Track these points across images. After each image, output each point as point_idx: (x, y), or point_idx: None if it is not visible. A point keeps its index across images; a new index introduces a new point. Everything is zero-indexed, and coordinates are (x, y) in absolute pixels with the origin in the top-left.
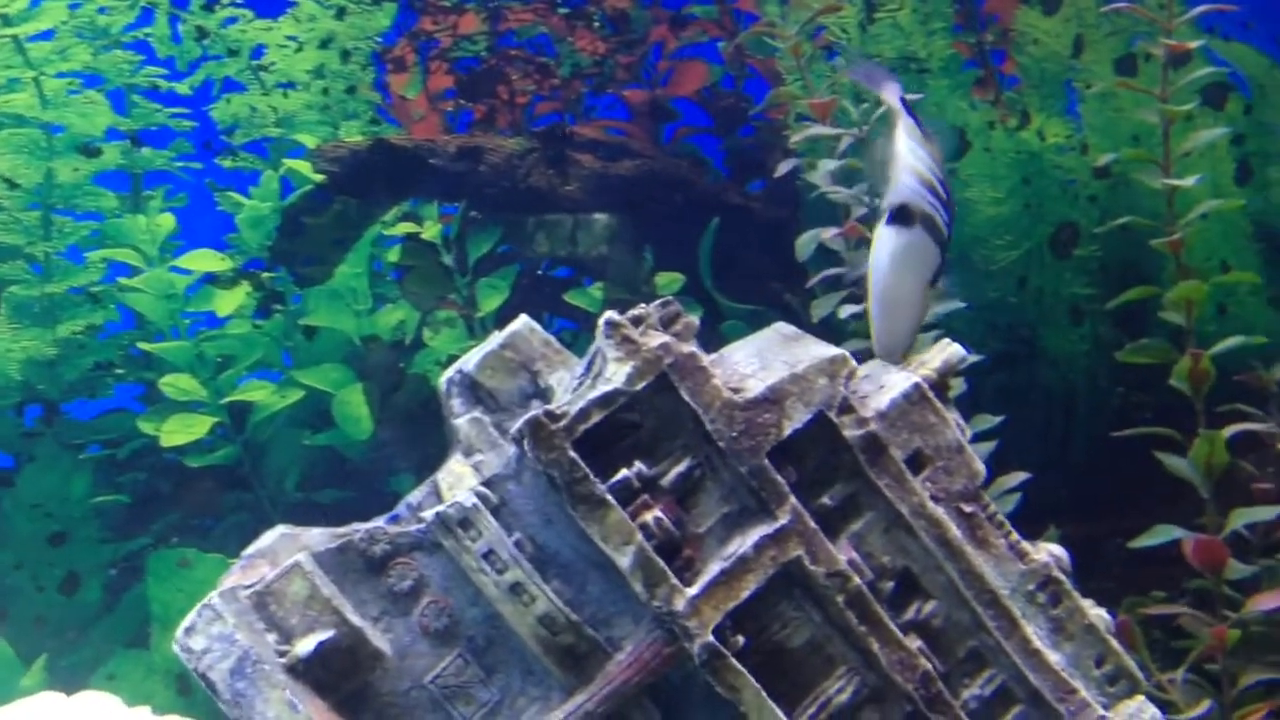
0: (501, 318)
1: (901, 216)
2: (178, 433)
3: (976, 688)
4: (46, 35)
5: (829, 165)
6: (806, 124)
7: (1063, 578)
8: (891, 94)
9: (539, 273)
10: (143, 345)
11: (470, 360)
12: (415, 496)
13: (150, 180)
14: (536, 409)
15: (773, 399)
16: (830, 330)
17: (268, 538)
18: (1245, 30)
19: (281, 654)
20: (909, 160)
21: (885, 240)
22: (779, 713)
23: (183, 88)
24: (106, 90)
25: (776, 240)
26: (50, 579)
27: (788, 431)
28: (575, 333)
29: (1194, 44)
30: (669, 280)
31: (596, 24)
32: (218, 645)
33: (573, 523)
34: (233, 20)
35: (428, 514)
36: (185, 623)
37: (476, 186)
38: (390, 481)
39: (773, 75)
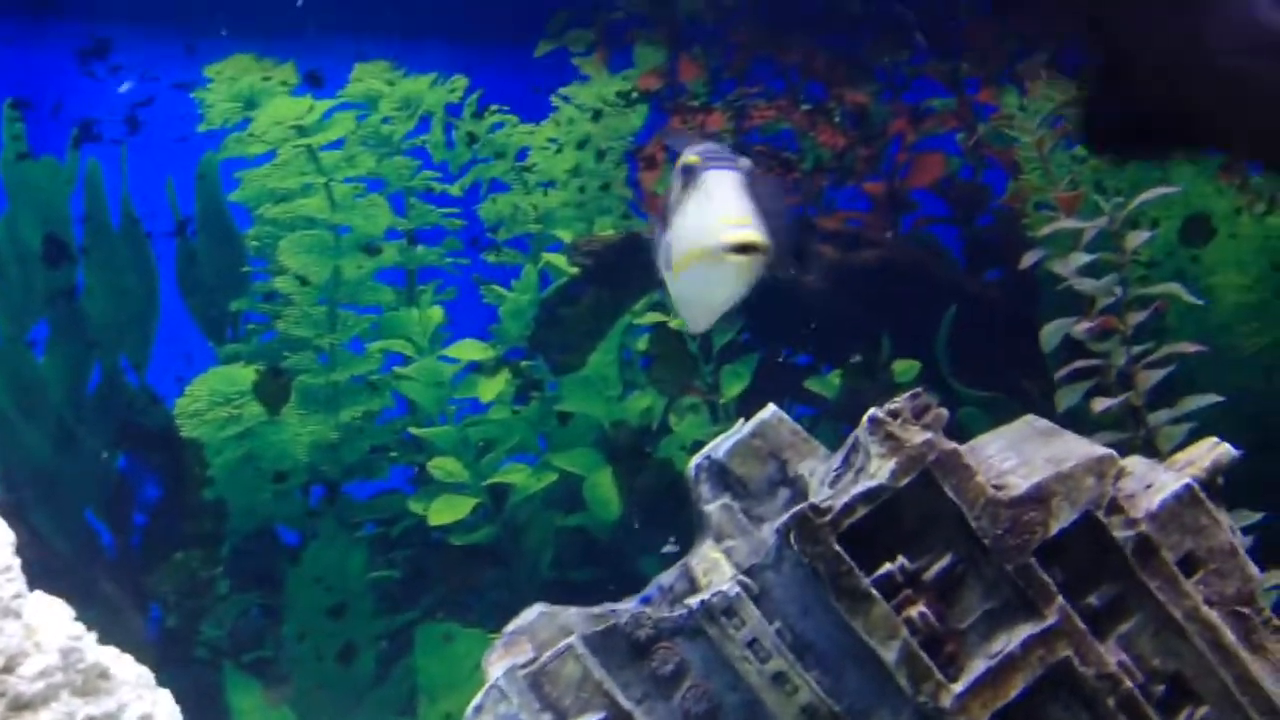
0: (743, 403)
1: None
2: (444, 513)
3: None
4: (337, 145)
5: (1081, 259)
6: (1047, 214)
7: None
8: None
9: (778, 360)
10: (414, 430)
11: (720, 448)
12: (667, 579)
13: (423, 276)
14: (785, 497)
15: (1039, 497)
16: (1076, 421)
17: (527, 615)
18: None
19: None
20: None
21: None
22: None
23: (454, 189)
24: (388, 193)
25: (1013, 329)
26: (329, 649)
27: (1054, 531)
28: (814, 419)
29: None
30: (906, 367)
31: (837, 119)
32: None
33: (832, 614)
34: (500, 125)
35: (691, 601)
36: (475, 701)
37: None
38: (638, 562)
39: (1011, 165)
